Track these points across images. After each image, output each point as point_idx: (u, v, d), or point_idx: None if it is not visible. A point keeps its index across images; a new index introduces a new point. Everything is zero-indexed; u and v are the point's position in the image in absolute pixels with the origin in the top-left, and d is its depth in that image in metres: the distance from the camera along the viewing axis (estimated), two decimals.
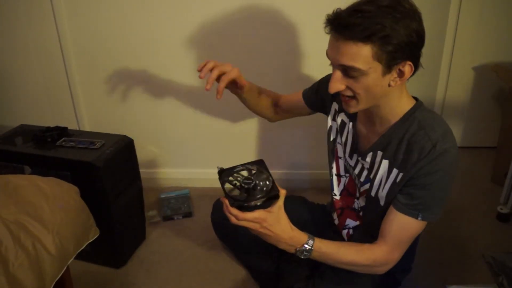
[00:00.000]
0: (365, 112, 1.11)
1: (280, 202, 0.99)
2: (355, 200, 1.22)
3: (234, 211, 0.95)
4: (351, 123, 1.18)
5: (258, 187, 0.98)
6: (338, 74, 0.96)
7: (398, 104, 1.03)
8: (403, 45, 0.90)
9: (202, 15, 1.73)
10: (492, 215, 1.80)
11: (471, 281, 1.48)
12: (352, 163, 1.19)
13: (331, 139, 1.28)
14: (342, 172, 1.26)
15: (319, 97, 1.32)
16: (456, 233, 1.72)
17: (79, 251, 1.13)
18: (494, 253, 1.57)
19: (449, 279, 1.48)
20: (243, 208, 0.96)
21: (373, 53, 0.89)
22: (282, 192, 0.98)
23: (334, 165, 1.27)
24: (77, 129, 1.96)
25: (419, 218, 1.02)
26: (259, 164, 1.02)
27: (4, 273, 0.90)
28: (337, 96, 1.24)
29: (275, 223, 0.99)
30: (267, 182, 0.98)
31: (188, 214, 1.87)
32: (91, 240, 1.19)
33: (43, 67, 1.89)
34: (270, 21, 1.73)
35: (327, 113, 1.29)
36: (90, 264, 1.58)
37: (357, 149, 1.17)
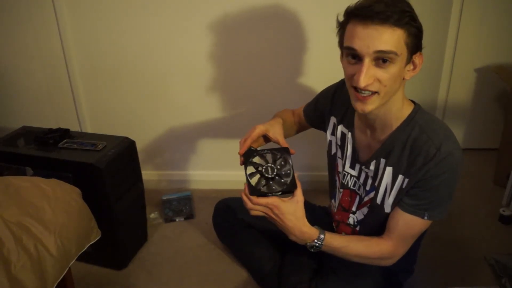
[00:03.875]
0: (364, 120, 1.10)
1: (300, 197, 1.03)
2: (350, 215, 1.22)
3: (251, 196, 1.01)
4: (349, 133, 1.18)
5: (277, 178, 1.02)
6: (369, 65, 0.92)
7: (401, 108, 1.04)
8: (421, 32, 0.94)
9: (205, 18, 1.74)
10: (494, 217, 1.80)
11: (473, 283, 1.47)
12: (354, 173, 1.19)
13: (332, 153, 1.28)
14: (339, 187, 1.26)
15: (318, 113, 1.32)
16: (458, 235, 1.71)
17: (80, 252, 1.13)
18: (496, 255, 1.56)
19: (451, 281, 1.47)
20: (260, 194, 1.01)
21: (404, 37, 0.91)
22: (298, 185, 1.02)
23: (337, 179, 1.27)
24: (79, 130, 1.96)
25: (425, 218, 1.03)
26: (285, 153, 1.06)
27: (6, 274, 0.90)
28: (335, 109, 1.24)
29: (287, 214, 1.02)
30: (288, 176, 1.02)
31: (190, 216, 1.87)
32: (92, 242, 1.19)
33: (45, 69, 1.90)
34: (274, 23, 1.74)
35: (325, 128, 1.29)
36: (91, 266, 1.58)
37: (358, 159, 1.16)
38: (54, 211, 1.07)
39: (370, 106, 0.97)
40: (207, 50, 1.80)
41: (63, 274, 1.06)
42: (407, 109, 1.04)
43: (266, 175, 1.01)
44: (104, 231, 1.25)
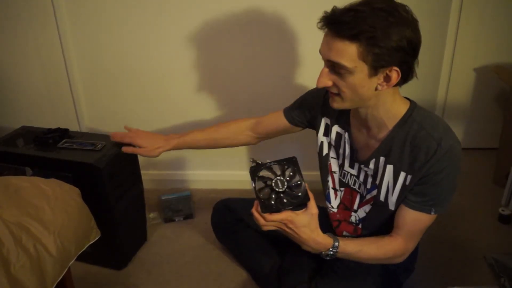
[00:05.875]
0: (359, 119, 1.11)
1: (314, 209, 0.99)
2: (352, 213, 1.23)
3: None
4: (346, 133, 1.18)
5: (287, 191, 0.97)
6: (326, 69, 0.98)
7: (392, 108, 1.04)
8: (391, 50, 0.90)
9: (202, 21, 1.74)
10: (493, 216, 1.80)
11: (472, 283, 1.48)
12: (354, 172, 1.19)
13: (324, 154, 1.27)
14: (337, 186, 1.26)
15: (305, 113, 1.32)
16: (457, 235, 1.72)
17: (80, 252, 1.13)
18: (496, 255, 1.57)
19: (450, 281, 1.47)
20: (272, 211, 0.97)
21: (358, 53, 0.90)
22: (310, 196, 0.99)
23: (329, 179, 1.27)
24: (78, 130, 1.96)
25: (432, 213, 1.05)
26: (293, 163, 1.00)
27: (6, 274, 0.90)
28: (327, 111, 1.24)
29: (302, 227, 0.99)
30: (298, 187, 0.98)
31: (189, 216, 1.87)
32: (92, 242, 1.19)
33: (44, 69, 1.90)
34: (271, 24, 1.74)
35: (315, 128, 1.29)
36: (91, 266, 1.58)
37: (357, 158, 1.17)
38: (53, 211, 1.07)
39: (335, 103, 1.03)
40: (205, 52, 1.80)
41: (63, 274, 1.05)
42: (403, 108, 1.05)
43: (277, 189, 0.96)
44: (103, 231, 1.25)
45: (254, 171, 0.99)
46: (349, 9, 0.91)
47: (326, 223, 1.37)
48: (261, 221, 0.98)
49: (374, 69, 0.93)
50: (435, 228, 1.66)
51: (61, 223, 1.07)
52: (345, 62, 0.92)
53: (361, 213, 1.19)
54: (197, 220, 1.85)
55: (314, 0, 1.62)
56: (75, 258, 1.10)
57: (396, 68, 0.94)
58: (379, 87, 0.97)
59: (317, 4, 1.62)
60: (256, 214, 0.98)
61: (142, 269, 1.58)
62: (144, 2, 1.73)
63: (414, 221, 1.06)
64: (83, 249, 1.15)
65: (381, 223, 1.13)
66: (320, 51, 0.98)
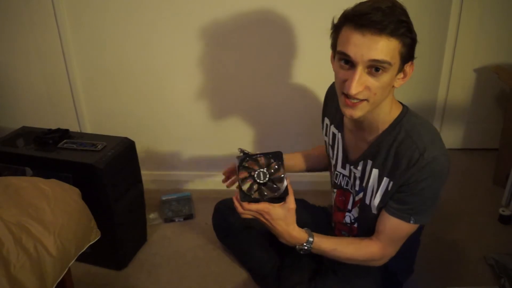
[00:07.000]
0: (353, 121, 1.10)
1: (291, 205, 1.02)
2: (346, 213, 1.23)
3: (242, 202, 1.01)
4: (339, 134, 1.19)
5: (269, 183, 1.01)
6: (361, 73, 0.92)
7: (390, 111, 1.04)
8: (415, 42, 0.94)
9: (203, 18, 1.74)
10: (494, 217, 1.80)
11: (472, 283, 1.47)
12: (346, 173, 1.19)
13: (328, 153, 1.29)
14: (333, 187, 1.27)
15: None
16: (457, 235, 1.72)
17: (80, 253, 1.13)
18: (496, 255, 1.57)
19: (450, 281, 1.47)
20: (251, 201, 1.01)
21: (399, 47, 0.91)
22: (290, 192, 1.02)
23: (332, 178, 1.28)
24: (79, 131, 1.96)
25: (411, 222, 1.04)
26: (278, 157, 1.02)
27: (6, 274, 0.90)
28: (327, 111, 1.25)
29: (277, 219, 1.02)
30: (280, 181, 1.01)
31: (189, 216, 1.87)
32: (92, 242, 1.19)
33: (45, 69, 1.90)
34: (272, 28, 1.74)
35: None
36: (91, 266, 1.58)
37: (348, 159, 1.17)
38: (53, 211, 1.07)
39: (359, 112, 0.98)
40: (204, 52, 1.80)
41: (63, 274, 1.05)
42: (395, 112, 1.05)
43: (258, 180, 1.00)
44: (103, 232, 1.25)
45: (241, 161, 1.03)
46: (375, 8, 0.89)
47: (326, 223, 1.37)
48: (239, 208, 1.03)
49: (403, 64, 0.95)
50: (435, 229, 1.67)
51: (61, 223, 1.07)
52: (390, 58, 0.91)
53: (355, 213, 1.20)
54: (197, 220, 1.85)
55: (319, 4, 1.63)
56: (75, 258, 1.11)
57: (412, 62, 0.96)
58: (396, 84, 0.98)
59: (320, 7, 1.63)
60: (235, 202, 1.03)
61: (142, 270, 1.58)
62: (145, 3, 1.73)
63: (393, 227, 1.06)
64: (83, 250, 1.15)
65: (370, 225, 1.13)
66: (350, 53, 0.92)
